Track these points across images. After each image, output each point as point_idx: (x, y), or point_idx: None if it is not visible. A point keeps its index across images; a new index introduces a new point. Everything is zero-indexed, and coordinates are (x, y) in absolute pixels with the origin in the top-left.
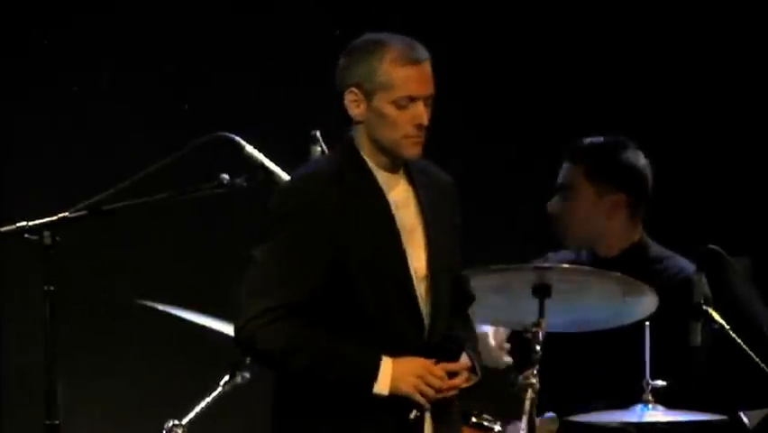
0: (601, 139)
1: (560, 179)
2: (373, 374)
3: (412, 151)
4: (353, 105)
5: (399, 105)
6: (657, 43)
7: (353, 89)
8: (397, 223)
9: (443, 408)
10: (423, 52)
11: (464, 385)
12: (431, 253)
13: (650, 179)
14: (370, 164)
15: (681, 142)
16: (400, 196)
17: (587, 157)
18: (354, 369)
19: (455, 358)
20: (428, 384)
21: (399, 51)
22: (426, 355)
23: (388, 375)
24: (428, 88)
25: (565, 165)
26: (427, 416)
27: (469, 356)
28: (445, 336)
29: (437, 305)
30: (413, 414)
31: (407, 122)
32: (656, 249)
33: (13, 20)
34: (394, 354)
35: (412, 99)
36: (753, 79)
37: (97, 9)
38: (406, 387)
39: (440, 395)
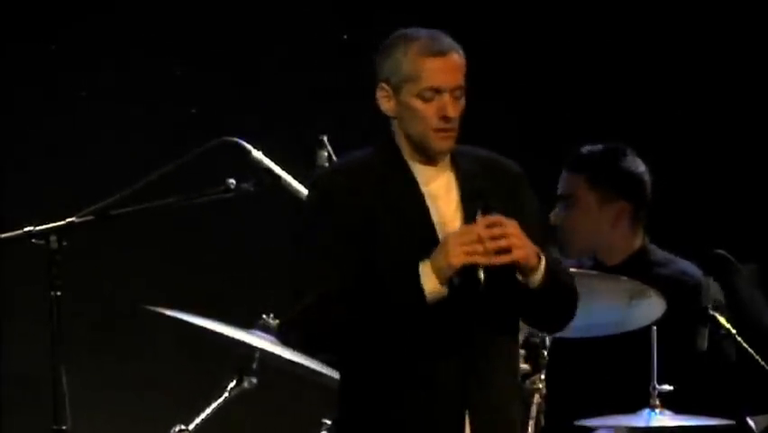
0: (600, 147)
1: (561, 190)
2: (416, 280)
3: (441, 144)
4: (384, 100)
5: (425, 97)
6: (662, 48)
7: (383, 84)
8: (433, 214)
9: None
10: (448, 44)
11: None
12: None
13: (650, 186)
14: (406, 157)
15: (687, 149)
16: (440, 188)
17: (588, 165)
18: (397, 290)
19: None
20: (471, 242)
21: (422, 43)
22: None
23: (429, 271)
24: (454, 79)
25: (565, 174)
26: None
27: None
28: None
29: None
30: (481, 274)
31: (434, 114)
32: (659, 254)
33: (19, 25)
34: (426, 344)
35: (437, 91)
36: (760, 86)
37: (104, 12)
38: (454, 259)
39: (493, 245)
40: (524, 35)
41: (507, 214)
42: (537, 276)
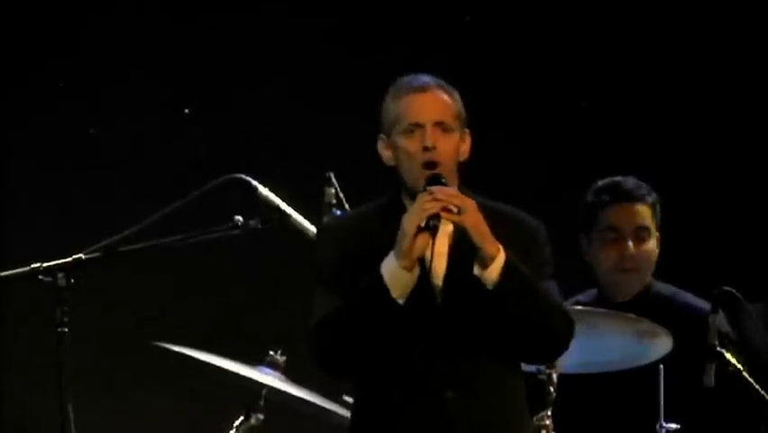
0: (633, 179)
1: (636, 222)
2: (378, 273)
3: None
4: (384, 150)
5: (407, 133)
6: (673, 80)
7: (381, 135)
8: (426, 263)
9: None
10: (427, 81)
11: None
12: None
13: None
14: (408, 205)
15: (697, 188)
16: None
17: (648, 196)
18: (363, 284)
19: None
20: (422, 208)
21: (402, 85)
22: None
23: (390, 256)
24: (434, 113)
25: (634, 206)
26: (443, 226)
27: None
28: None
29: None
30: (430, 222)
31: (418, 148)
32: (663, 287)
33: (27, 62)
34: (409, 377)
35: (418, 125)
36: None
37: (112, 49)
38: (405, 223)
39: (441, 196)
40: (526, 64)
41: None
42: (495, 268)
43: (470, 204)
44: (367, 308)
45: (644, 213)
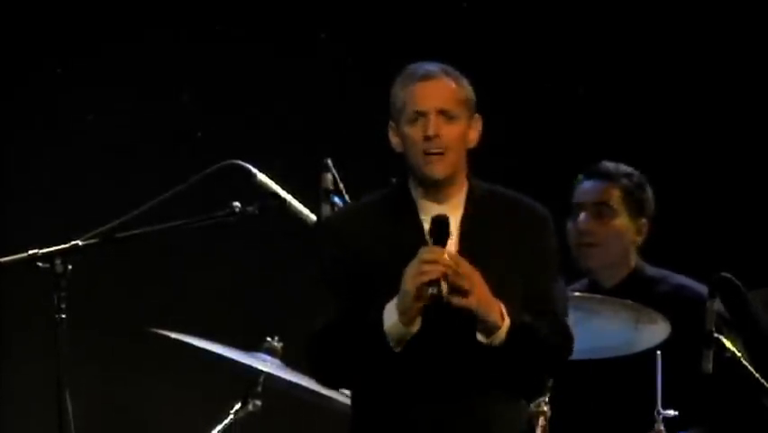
0: (623, 165)
1: (593, 197)
2: (379, 320)
3: (430, 169)
4: (393, 137)
5: (412, 121)
6: (669, 65)
7: (390, 122)
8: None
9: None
10: (432, 69)
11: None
12: None
13: None
14: (417, 196)
15: (699, 174)
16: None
17: (623, 179)
18: (365, 329)
19: None
20: (421, 270)
21: (406, 73)
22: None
23: (392, 308)
24: (437, 101)
25: (597, 184)
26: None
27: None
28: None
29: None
30: (431, 290)
31: (420, 136)
32: (652, 270)
33: (24, 49)
34: (415, 373)
35: (421, 113)
36: None
37: (109, 36)
38: (407, 283)
39: (452, 275)
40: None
41: (523, 255)
42: (501, 334)
43: (476, 279)
44: (364, 345)
45: (608, 191)
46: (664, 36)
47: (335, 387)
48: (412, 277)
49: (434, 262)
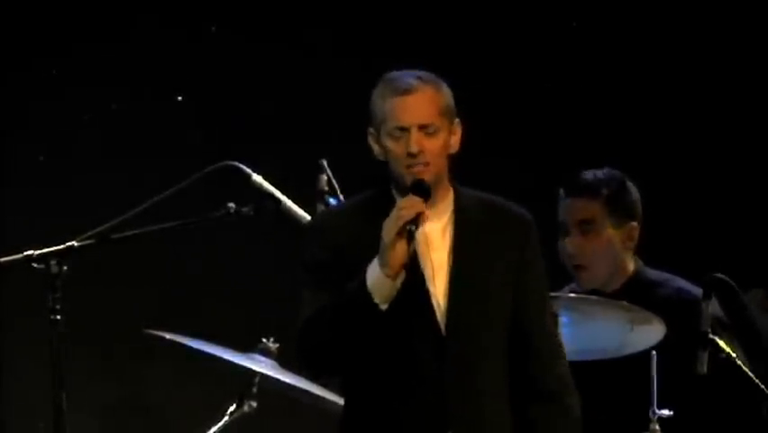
0: (602, 171)
1: (575, 216)
2: (363, 278)
3: (413, 177)
4: (373, 143)
5: (393, 136)
6: (659, 65)
7: (371, 129)
8: (422, 255)
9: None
10: (412, 83)
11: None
12: (454, 290)
13: None
14: (397, 197)
15: (691, 176)
16: (432, 231)
17: (602, 189)
18: (349, 290)
19: None
20: (398, 216)
21: (387, 85)
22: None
23: (374, 264)
24: (418, 117)
25: (578, 201)
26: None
27: None
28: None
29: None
30: (410, 227)
31: (402, 153)
32: (653, 273)
33: (21, 49)
34: (410, 380)
35: (403, 129)
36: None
37: (105, 36)
38: (386, 231)
39: (413, 207)
40: (514, 65)
41: (510, 263)
42: None
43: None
44: (350, 312)
45: (589, 208)
46: (661, 36)
47: (326, 373)
48: (390, 222)
49: (411, 206)
